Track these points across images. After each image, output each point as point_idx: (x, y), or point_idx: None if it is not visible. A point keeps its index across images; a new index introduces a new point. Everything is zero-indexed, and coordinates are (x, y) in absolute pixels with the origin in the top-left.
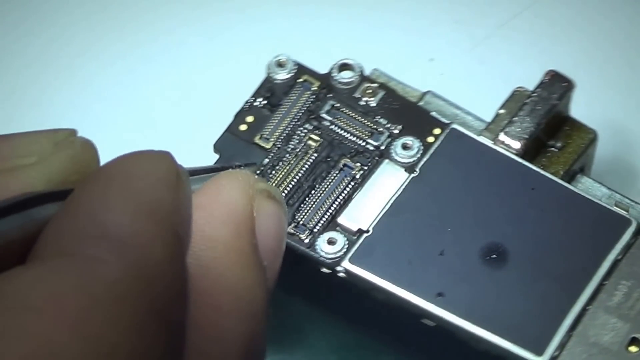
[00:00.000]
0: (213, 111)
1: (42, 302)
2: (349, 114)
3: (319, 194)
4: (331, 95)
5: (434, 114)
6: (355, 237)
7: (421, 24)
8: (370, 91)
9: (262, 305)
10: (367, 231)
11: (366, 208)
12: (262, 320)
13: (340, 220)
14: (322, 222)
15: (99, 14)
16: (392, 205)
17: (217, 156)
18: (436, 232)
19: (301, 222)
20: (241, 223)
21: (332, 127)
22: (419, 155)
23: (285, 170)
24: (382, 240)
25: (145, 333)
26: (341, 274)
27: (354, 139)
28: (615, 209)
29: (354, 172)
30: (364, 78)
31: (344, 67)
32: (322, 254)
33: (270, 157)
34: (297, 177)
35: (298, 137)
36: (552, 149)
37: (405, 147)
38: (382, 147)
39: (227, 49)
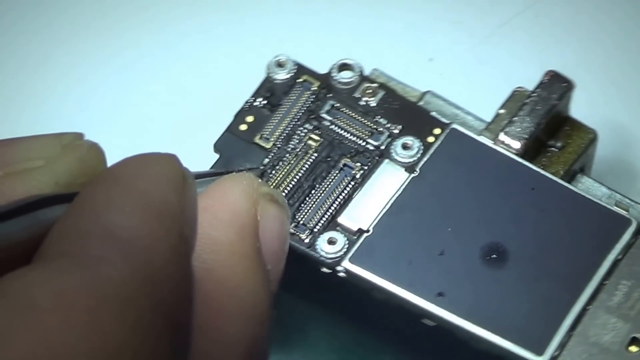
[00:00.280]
0: (213, 111)
1: (47, 301)
2: (349, 114)
3: (319, 194)
4: (331, 95)
5: (434, 114)
6: (356, 237)
7: (421, 24)
8: (370, 91)
9: (265, 309)
10: (368, 231)
11: (366, 208)
12: (265, 323)
13: (341, 220)
14: (322, 221)
15: (97, 12)
16: (393, 205)
17: (217, 156)
18: (436, 232)
19: (301, 222)
20: (245, 226)
21: (332, 127)
22: (419, 155)
23: (285, 170)
24: (383, 240)
25: (152, 333)
26: (341, 274)
27: (354, 138)
28: (615, 208)
29: (354, 172)
30: (363, 78)
31: (343, 67)
32: (323, 253)
33: (270, 157)
34: (297, 177)
35: (298, 137)
36: (552, 149)
37: (405, 147)
38: (382, 147)
39: (227, 49)
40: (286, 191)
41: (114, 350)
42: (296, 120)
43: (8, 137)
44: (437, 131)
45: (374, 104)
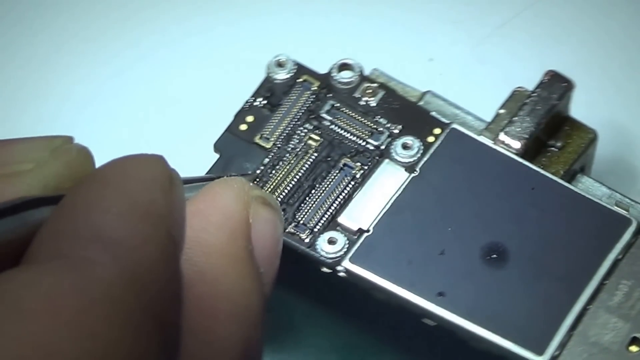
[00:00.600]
0: (213, 111)
1: (37, 303)
2: (349, 114)
3: (319, 194)
4: (331, 95)
5: (434, 113)
6: (356, 237)
7: (421, 24)
8: (370, 91)
9: (257, 312)
10: (368, 231)
11: (366, 208)
12: (257, 326)
13: (341, 219)
14: (322, 221)
15: (96, 13)
16: (393, 205)
17: (217, 156)
18: (437, 231)
19: (301, 222)
20: (237, 229)
21: (332, 126)
22: (419, 155)
23: (285, 170)
24: (383, 239)
25: (141, 334)
26: (341, 274)
27: (354, 138)
28: (615, 208)
29: (354, 171)
30: (363, 78)
31: (343, 67)
32: (323, 253)
33: (270, 156)
34: (298, 177)
35: (298, 137)
36: (552, 148)
37: (405, 146)
38: (382, 147)
39: (227, 49)
40: (286, 191)
41: (104, 351)
42: (296, 120)
43: (8, 137)
44: (437, 131)
45: (374, 104)
